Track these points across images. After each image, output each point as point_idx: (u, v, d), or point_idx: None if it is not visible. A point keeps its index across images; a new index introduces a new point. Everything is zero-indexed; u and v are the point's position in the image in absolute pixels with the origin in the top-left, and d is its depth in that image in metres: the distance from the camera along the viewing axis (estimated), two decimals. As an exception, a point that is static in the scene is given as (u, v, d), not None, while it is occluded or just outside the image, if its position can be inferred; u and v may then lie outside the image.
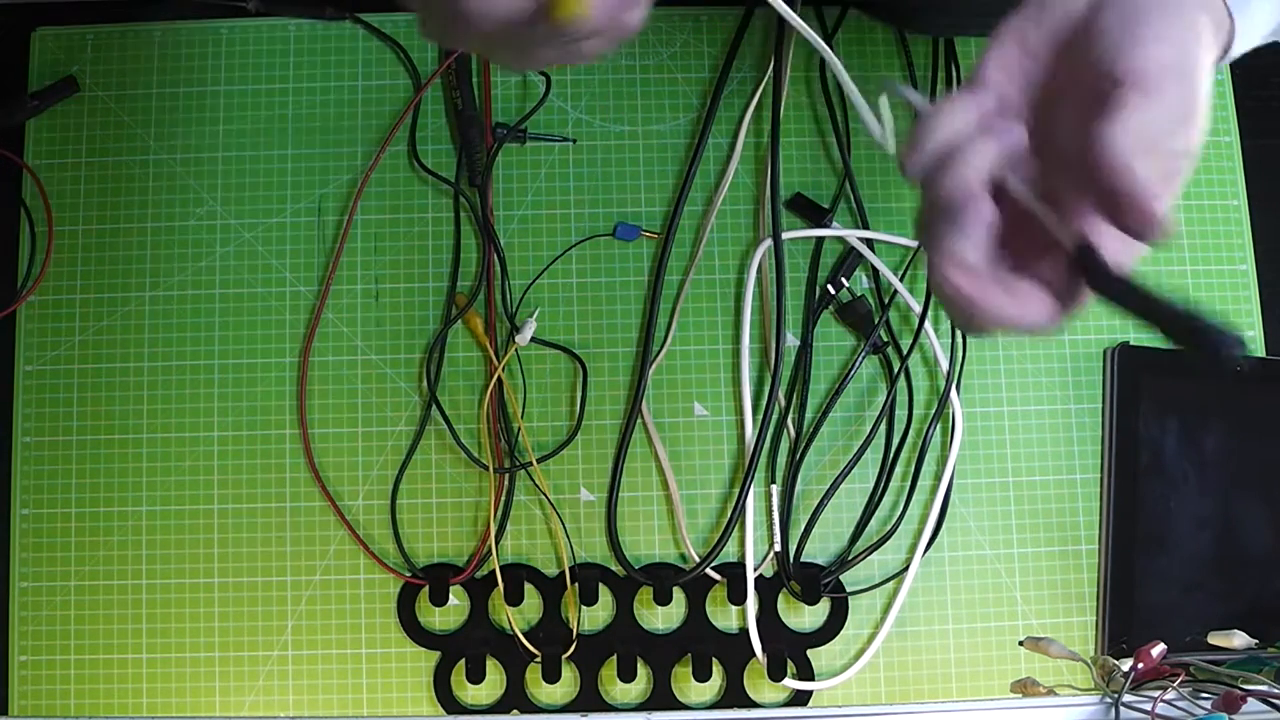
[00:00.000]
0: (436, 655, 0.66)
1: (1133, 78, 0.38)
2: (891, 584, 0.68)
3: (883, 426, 0.69)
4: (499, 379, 0.68)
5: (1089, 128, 0.38)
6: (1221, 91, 0.73)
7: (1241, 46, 0.45)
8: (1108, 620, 0.67)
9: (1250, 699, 0.45)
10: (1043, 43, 0.41)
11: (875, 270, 0.70)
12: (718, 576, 0.67)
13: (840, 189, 0.71)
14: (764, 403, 0.68)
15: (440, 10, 0.39)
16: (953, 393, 0.68)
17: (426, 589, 0.66)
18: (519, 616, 0.67)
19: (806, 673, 0.66)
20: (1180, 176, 0.40)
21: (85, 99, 0.71)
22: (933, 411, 0.69)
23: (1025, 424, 0.69)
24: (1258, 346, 0.71)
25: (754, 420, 0.68)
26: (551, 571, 0.67)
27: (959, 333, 0.69)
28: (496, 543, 0.67)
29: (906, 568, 0.67)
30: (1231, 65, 0.73)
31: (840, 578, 0.67)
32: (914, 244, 0.70)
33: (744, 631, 0.66)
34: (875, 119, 0.43)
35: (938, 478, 0.68)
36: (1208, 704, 0.46)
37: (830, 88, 0.72)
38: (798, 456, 0.68)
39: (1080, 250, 0.38)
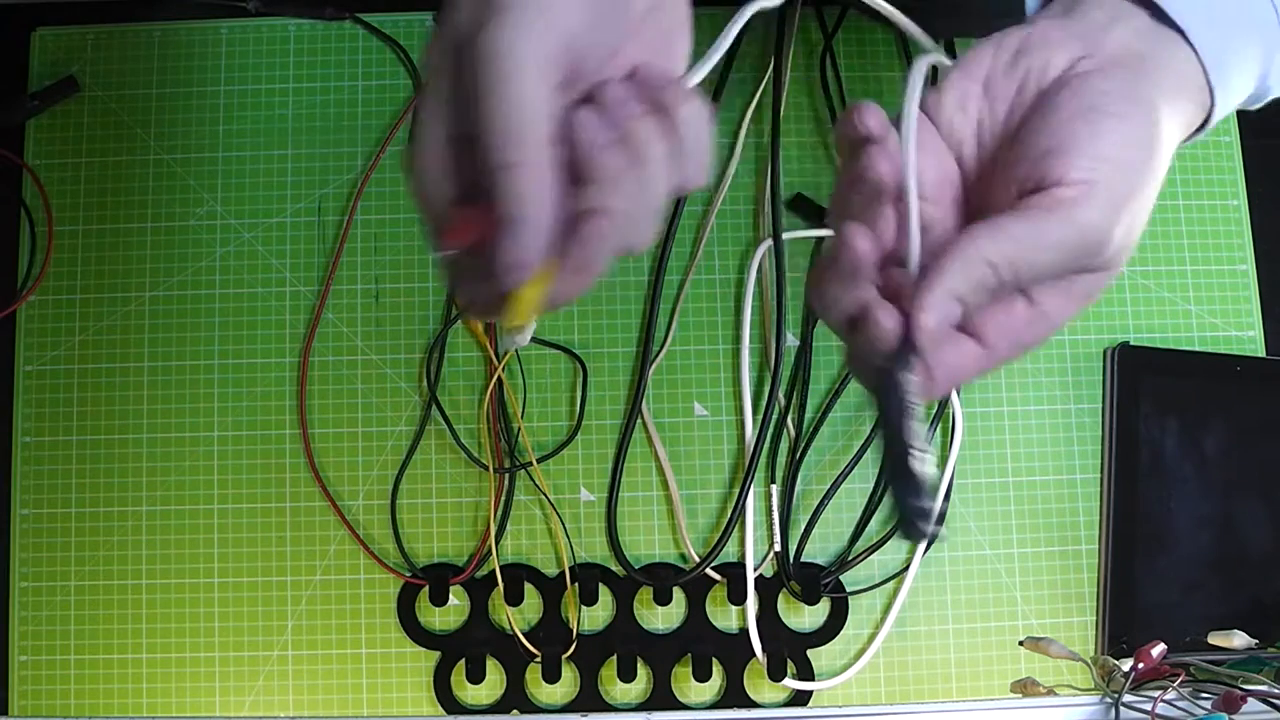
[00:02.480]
0: (436, 655, 0.66)
1: (1053, 191, 0.36)
2: (891, 584, 0.68)
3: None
4: (499, 379, 0.68)
5: (973, 223, 0.36)
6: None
7: (1217, 118, 0.43)
8: (1108, 620, 0.67)
9: (1250, 699, 0.45)
10: (1015, 96, 0.40)
11: (875, 270, 0.70)
12: (718, 576, 0.67)
13: (840, 189, 0.71)
14: (764, 403, 0.68)
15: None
16: (953, 393, 0.68)
17: (426, 589, 0.66)
18: (519, 616, 0.67)
19: (806, 673, 0.66)
20: (1048, 322, 0.38)
21: (85, 99, 0.71)
22: (933, 412, 0.69)
23: (1025, 424, 0.69)
24: (1258, 346, 0.71)
25: (754, 420, 0.68)
26: (551, 571, 0.67)
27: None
28: (496, 543, 0.67)
29: (906, 568, 0.67)
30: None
31: (840, 578, 0.67)
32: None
33: (744, 631, 0.66)
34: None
35: (938, 478, 0.68)
36: (1208, 704, 0.46)
37: (830, 88, 0.72)
38: (798, 456, 0.68)
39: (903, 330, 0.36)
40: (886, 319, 0.36)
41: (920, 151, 0.38)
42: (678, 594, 0.67)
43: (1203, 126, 0.43)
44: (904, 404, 0.34)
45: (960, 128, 0.40)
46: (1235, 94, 0.44)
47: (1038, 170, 0.37)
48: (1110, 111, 0.38)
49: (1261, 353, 0.71)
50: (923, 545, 0.32)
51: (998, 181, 0.39)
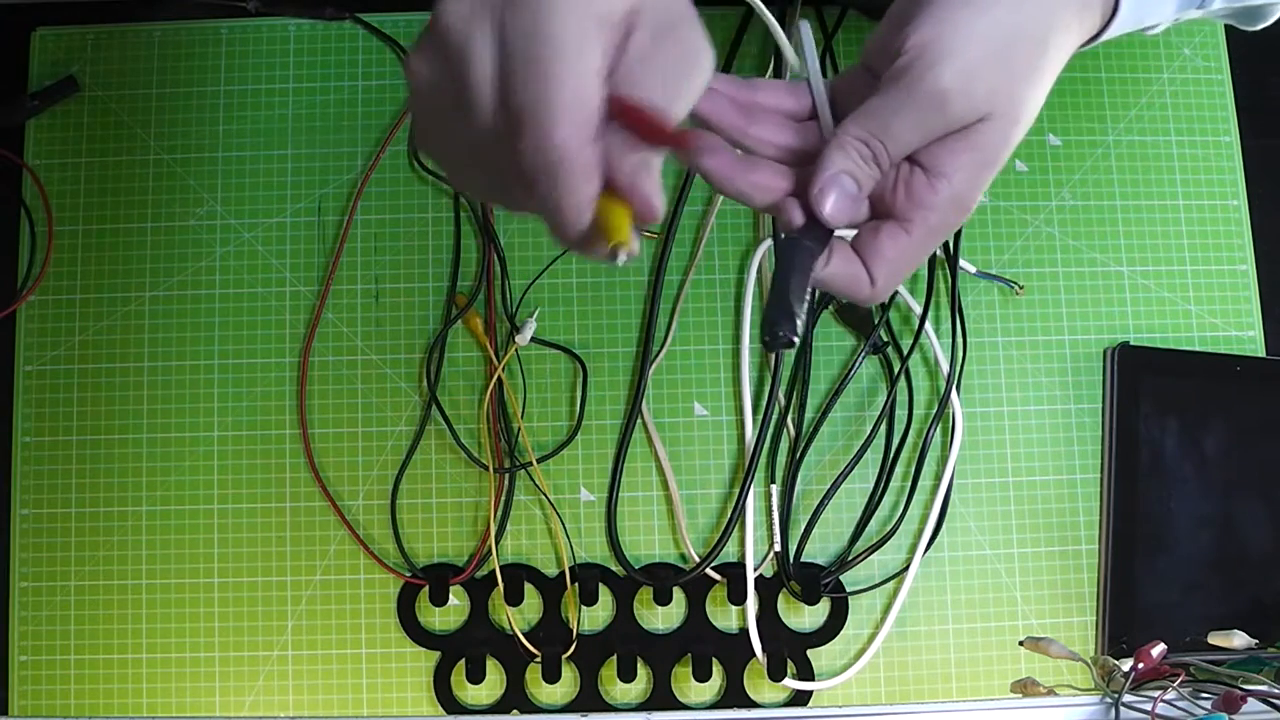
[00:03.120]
0: (436, 655, 0.66)
1: (895, 62, 0.40)
2: (891, 584, 0.68)
3: (883, 427, 0.69)
4: (499, 379, 0.68)
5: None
6: (1221, 91, 0.73)
7: (1128, 22, 0.44)
8: (1108, 620, 0.67)
9: (1250, 699, 0.45)
10: (900, 12, 0.42)
11: (875, 270, 0.70)
12: (718, 576, 0.67)
13: (840, 189, 0.71)
14: (764, 403, 0.68)
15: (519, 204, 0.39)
16: (953, 393, 0.68)
17: (426, 589, 0.66)
18: (519, 616, 0.67)
19: (806, 673, 0.66)
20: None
21: (85, 99, 0.71)
22: (933, 412, 0.69)
23: (1025, 424, 0.69)
24: (1258, 346, 0.71)
25: (754, 420, 0.68)
26: (551, 571, 0.67)
27: (960, 333, 0.69)
28: (496, 543, 0.67)
29: (906, 568, 0.67)
30: (1231, 65, 0.74)
31: (840, 578, 0.67)
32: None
33: (744, 631, 0.66)
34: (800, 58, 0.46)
35: (938, 478, 0.68)
36: (1208, 704, 0.46)
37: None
38: (798, 456, 0.68)
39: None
40: (792, 209, 0.42)
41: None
42: (678, 594, 0.67)
43: (1100, 33, 0.45)
44: (797, 260, 0.40)
45: (870, 59, 0.44)
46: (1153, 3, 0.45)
47: (887, 54, 0.41)
48: None
49: (1261, 353, 0.71)
50: (774, 353, 0.39)
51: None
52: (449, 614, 0.67)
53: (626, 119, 0.36)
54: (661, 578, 0.67)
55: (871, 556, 0.67)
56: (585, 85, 0.34)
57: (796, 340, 0.38)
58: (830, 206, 0.40)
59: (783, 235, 0.42)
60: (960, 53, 0.39)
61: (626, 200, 0.37)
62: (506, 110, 0.35)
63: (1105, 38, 0.45)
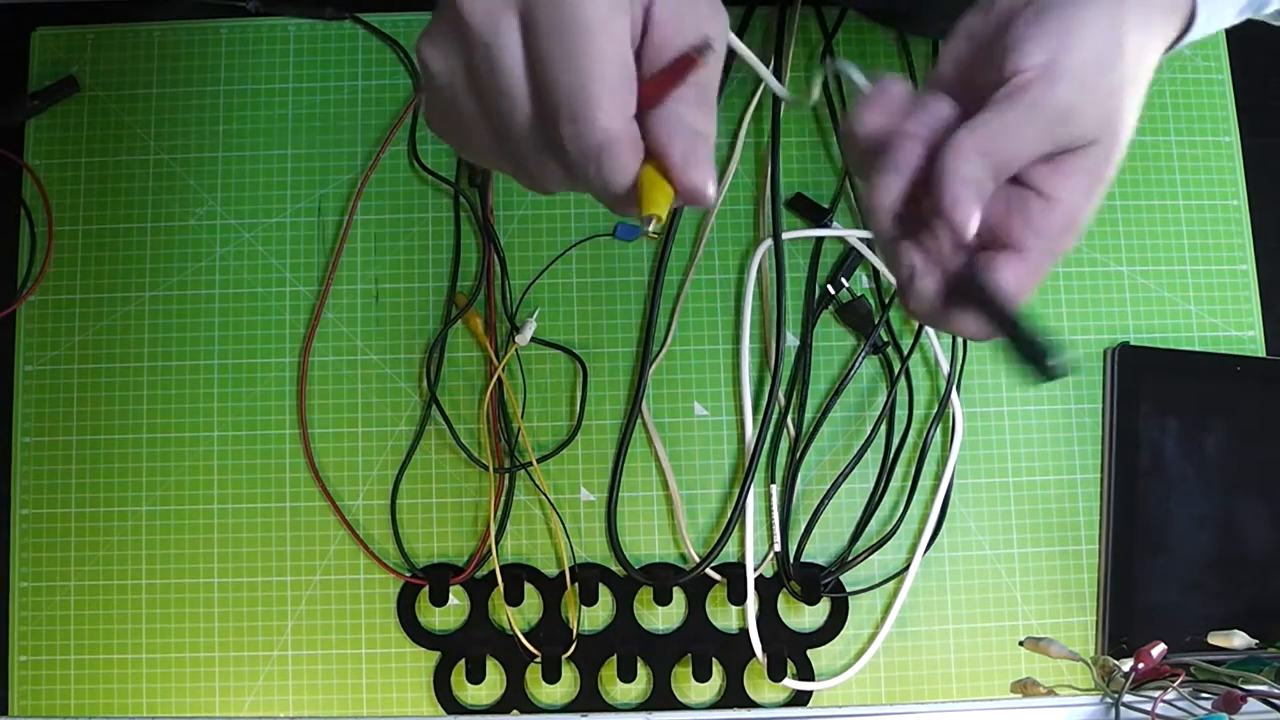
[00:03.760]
0: (436, 655, 0.66)
1: (1011, 81, 0.39)
2: (891, 584, 0.68)
3: (883, 427, 0.69)
4: (499, 379, 0.68)
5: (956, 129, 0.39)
6: (1221, 91, 0.73)
7: (1206, 27, 0.45)
8: (1108, 620, 0.67)
9: (1250, 699, 0.45)
10: (988, 32, 0.42)
11: (875, 270, 0.70)
12: (718, 576, 0.67)
13: (840, 189, 0.71)
14: (764, 403, 0.68)
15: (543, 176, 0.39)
16: (953, 393, 0.68)
17: (426, 589, 0.66)
18: (519, 616, 0.67)
19: (806, 673, 0.66)
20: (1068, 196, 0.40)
21: (85, 99, 0.71)
22: (933, 412, 0.69)
23: (1025, 424, 0.69)
24: (1258, 346, 0.71)
25: (754, 420, 0.68)
26: (551, 571, 0.67)
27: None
28: (496, 543, 0.67)
29: (906, 568, 0.67)
30: (1231, 65, 0.73)
31: (840, 578, 0.67)
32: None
33: (744, 631, 0.66)
34: (780, 83, 0.45)
35: (938, 478, 0.68)
36: (1208, 704, 0.46)
37: (830, 88, 0.72)
38: (798, 456, 0.68)
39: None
40: (928, 274, 0.41)
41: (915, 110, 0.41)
42: (678, 594, 0.67)
43: (1181, 38, 0.45)
44: (988, 291, 0.39)
45: (953, 81, 0.43)
46: (1228, 3, 0.45)
47: (1001, 72, 0.40)
48: (1055, 4, 0.40)
49: (1261, 353, 0.71)
50: (1048, 376, 0.38)
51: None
52: (449, 614, 0.67)
53: (666, 78, 0.36)
54: (661, 578, 0.67)
55: (871, 556, 0.67)
56: (621, 61, 0.34)
57: (1063, 358, 0.38)
58: (962, 214, 0.39)
59: (945, 293, 0.40)
60: (1078, 73, 0.39)
61: (673, 182, 0.36)
62: (541, 95, 0.35)
63: (1179, 47, 0.45)
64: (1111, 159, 0.41)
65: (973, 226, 0.39)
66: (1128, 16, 0.41)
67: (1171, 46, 0.45)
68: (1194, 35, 0.45)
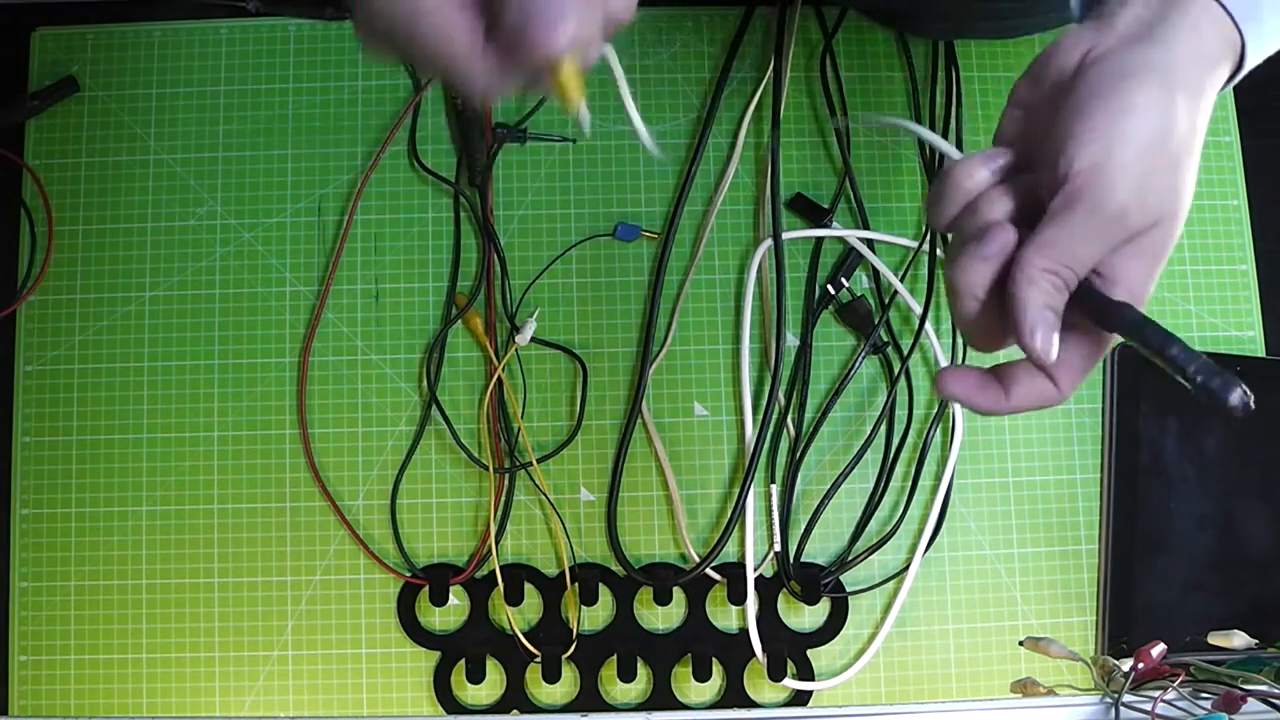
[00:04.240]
0: (436, 655, 0.66)
1: (1065, 187, 0.39)
2: (891, 584, 0.68)
3: (883, 427, 0.69)
4: (499, 379, 0.68)
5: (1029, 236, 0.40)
6: (1221, 91, 0.73)
7: (1256, 59, 0.44)
8: (1108, 620, 0.67)
9: (1250, 699, 0.45)
10: (1038, 104, 0.42)
11: (875, 270, 0.70)
12: (718, 576, 0.67)
13: (840, 189, 0.71)
14: (764, 403, 0.68)
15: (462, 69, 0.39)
16: (953, 393, 0.68)
17: (426, 589, 0.66)
18: (519, 616, 0.67)
19: (806, 673, 0.66)
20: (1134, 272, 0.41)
21: (85, 99, 0.71)
22: (933, 412, 0.69)
23: (1025, 424, 0.69)
24: (1258, 346, 0.71)
25: (754, 420, 0.68)
26: (551, 571, 0.67)
27: (960, 333, 0.69)
28: (496, 543, 0.67)
29: (906, 568, 0.67)
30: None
31: (840, 578, 0.67)
32: (913, 244, 0.70)
33: (744, 631, 0.66)
34: (644, 126, 0.44)
35: (938, 478, 0.68)
36: (1208, 704, 0.46)
37: (830, 88, 0.72)
38: (798, 456, 0.68)
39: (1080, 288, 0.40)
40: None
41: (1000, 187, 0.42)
42: (678, 594, 0.67)
43: (1235, 75, 0.44)
44: (1153, 333, 0.40)
45: (1019, 145, 0.43)
46: (1269, 34, 0.44)
47: (1055, 172, 0.39)
48: (1101, 93, 0.39)
49: (1261, 353, 0.71)
50: (1240, 401, 0.38)
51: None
52: (449, 614, 0.67)
53: None
54: (661, 578, 0.67)
55: (871, 556, 0.67)
56: None
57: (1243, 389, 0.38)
58: (1042, 342, 0.40)
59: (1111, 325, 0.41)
60: (1132, 167, 0.39)
61: (519, 46, 0.36)
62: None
63: (1226, 89, 0.45)
64: (1172, 236, 0.41)
65: (1053, 353, 0.40)
66: (1178, 83, 0.40)
67: (1224, 87, 0.44)
68: (1245, 70, 0.44)
